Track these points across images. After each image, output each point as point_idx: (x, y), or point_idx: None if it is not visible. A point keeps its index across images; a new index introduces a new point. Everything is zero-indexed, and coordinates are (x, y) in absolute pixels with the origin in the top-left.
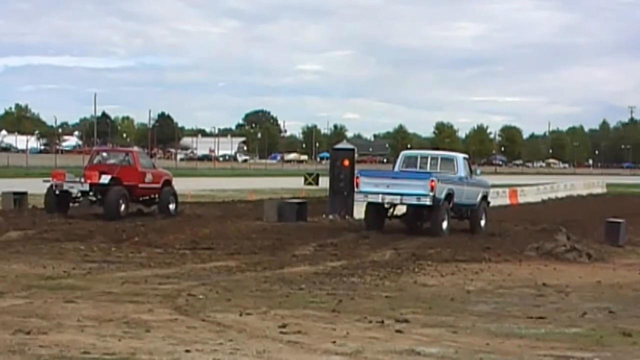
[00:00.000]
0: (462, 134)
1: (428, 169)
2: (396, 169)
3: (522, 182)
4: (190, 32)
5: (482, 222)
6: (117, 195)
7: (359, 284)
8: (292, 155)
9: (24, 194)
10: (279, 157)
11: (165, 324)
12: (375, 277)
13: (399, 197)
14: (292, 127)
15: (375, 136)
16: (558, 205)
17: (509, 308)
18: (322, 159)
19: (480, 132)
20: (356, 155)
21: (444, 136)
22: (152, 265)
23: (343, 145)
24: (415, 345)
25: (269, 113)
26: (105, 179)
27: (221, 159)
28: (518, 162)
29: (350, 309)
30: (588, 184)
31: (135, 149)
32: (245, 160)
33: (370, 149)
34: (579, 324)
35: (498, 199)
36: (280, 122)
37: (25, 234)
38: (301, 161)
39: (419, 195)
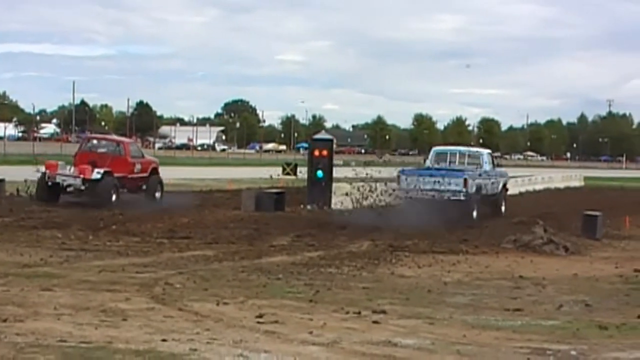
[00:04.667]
0: (440, 126)
1: (457, 164)
2: (427, 163)
3: None
4: (171, 21)
5: (503, 208)
6: (109, 187)
7: (336, 274)
8: (271, 145)
9: (2, 181)
10: (257, 147)
11: (142, 312)
12: (352, 267)
13: (436, 192)
14: (271, 117)
15: (354, 127)
16: (535, 197)
17: (485, 300)
18: (300, 149)
19: (458, 124)
20: (335, 145)
21: (422, 128)
22: (130, 254)
23: (322, 135)
24: (392, 337)
25: (248, 103)
26: (97, 174)
27: (199, 148)
28: (496, 154)
29: (328, 300)
30: (565, 176)
31: (126, 139)
32: (223, 150)
33: (349, 140)
34: (555, 317)
35: None
36: (259, 111)
37: (2, 221)
38: (280, 151)
39: (454, 192)
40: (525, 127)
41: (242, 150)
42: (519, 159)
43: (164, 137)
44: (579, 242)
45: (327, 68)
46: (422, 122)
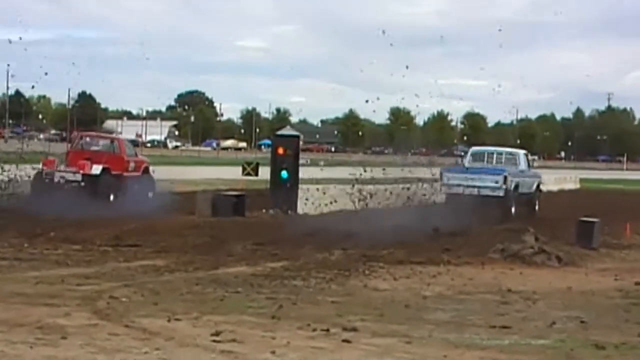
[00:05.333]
0: (420, 121)
1: (494, 164)
2: (466, 163)
3: None
4: (118, 4)
5: (537, 207)
6: (108, 185)
7: (302, 287)
8: (230, 142)
9: None
10: (214, 144)
11: (83, 329)
12: (320, 279)
13: (476, 189)
14: (230, 110)
15: (323, 122)
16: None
17: (469, 316)
18: (263, 146)
19: (440, 119)
20: (301, 142)
21: (400, 123)
22: (70, 264)
23: (287, 131)
24: (365, 357)
25: (204, 94)
26: (96, 169)
27: (149, 144)
28: None
29: (292, 315)
30: (559, 178)
31: (120, 136)
32: (176, 147)
33: (317, 136)
34: (546, 335)
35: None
36: (216, 104)
37: None
38: (239, 148)
39: (493, 188)
40: (514, 122)
41: (197, 148)
42: None
43: (109, 132)
44: (573, 251)
45: (294, 56)
46: (400, 116)
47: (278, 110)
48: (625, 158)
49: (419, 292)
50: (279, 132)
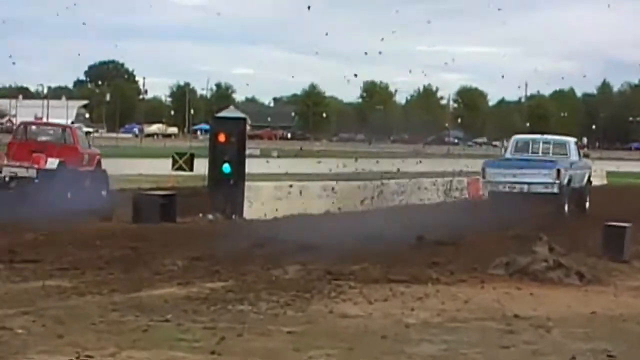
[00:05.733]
0: (401, 99)
1: (540, 154)
2: (507, 154)
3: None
4: None
5: (587, 204)
6: (64, 182)
7: (249, 313)
8: (156, 127)
9: None
10: (136, 130)
11: None
12: (273, 303)
13: (526, 185)
14: (157, 86)
15: (276, 100)
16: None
17: (464, 350)
18: (199, 132)
19: (427, 96)
20: (248, 127)
21: (375, 102)
22: None
23: (229, 113)
24: None
25: (122, 66)
26: (52, 163)
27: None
28: (481, 140)
29: (237, 350)
30: None
31: (74, 125)
32: (87, 133)
33: (269, 119)
34: None
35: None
36: (139, 79)
37: None
38: (168, 135)
39: (545, 184)
40: (522, 100)
41: (114, 135)
42: None
43: (1, 115)
44: (599, 265)
45: (238, 16)
46: (375, 93)
47: (218, 85)
48: None
49: (400, 320)
50: (220, 114)
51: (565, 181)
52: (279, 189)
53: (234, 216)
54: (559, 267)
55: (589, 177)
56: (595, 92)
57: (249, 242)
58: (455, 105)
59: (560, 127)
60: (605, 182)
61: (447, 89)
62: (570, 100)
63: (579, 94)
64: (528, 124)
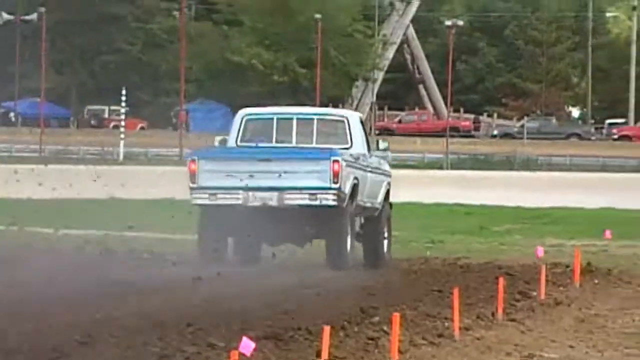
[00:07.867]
0: None
1: (293, 142)
2: (231, 141)
3: None
4: None
5: (386, 243)
6: None
7: None
8: None
9: None
10: None
11: None
12: None
13: (276, 193)
14: None
15: None
16: None
17: None
18: None
19: None
20: None
21: None
22: None
23: None
24: None
25: None
26: None
27: None
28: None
29: None
30: None
31: None
32: None
33: None
34: None
35: None
36: None
37: None
38: None
39: (312, 191)
40: None
41: None
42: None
43: None
44: None
45: None
46: None
47: None
48: None
49: None
50: None
51: (348, 188)
52: None
53: None
54: None
55: (388, 191)
56: None
57: None
58: None
59: None
60: None
61: None
62: None
63: None
64: None
